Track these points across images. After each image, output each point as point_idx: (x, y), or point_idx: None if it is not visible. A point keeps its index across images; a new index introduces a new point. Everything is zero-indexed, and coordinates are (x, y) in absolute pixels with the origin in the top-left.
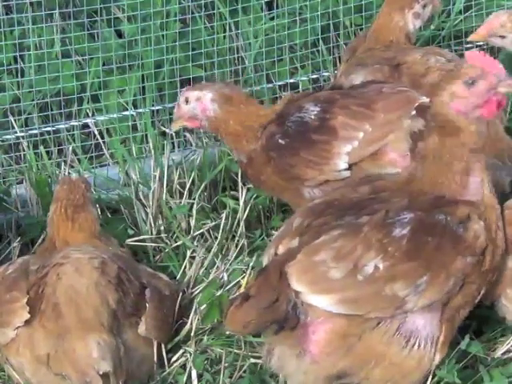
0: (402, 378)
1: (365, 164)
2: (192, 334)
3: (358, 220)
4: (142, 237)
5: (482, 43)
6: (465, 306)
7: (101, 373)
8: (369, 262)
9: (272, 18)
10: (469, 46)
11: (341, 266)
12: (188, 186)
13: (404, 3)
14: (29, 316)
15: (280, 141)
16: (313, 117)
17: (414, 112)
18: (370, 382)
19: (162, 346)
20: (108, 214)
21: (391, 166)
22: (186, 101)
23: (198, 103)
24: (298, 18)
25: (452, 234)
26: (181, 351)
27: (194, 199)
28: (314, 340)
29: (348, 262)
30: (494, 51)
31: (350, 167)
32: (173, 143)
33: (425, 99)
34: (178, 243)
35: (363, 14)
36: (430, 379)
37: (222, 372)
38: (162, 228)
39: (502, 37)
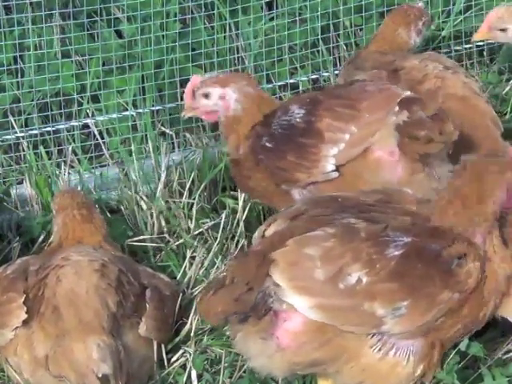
0: (374, 382)
1: (353, 163)
2: (192, 334)
3: (355, 224)
4: (142, 237)
5: (482, 43)
6: (456, 335)
7: (100, 375)
8: (354, 272)
9: (272, 18)
10: (469, 46)
11: (326, 268)
12: (188, 185)
13: (410, 20)
14: (26, 316)
15: (267, 144)
16: (298, 119)
17: (397, 108)
18: (341, 377)
19: (162, 346)
20: (108, 214)
21: (379, 164)
22: (206, 95)
23: (222, 101)
24: (297, 19)
25: (444, 266)
26: (181, 351)
27: (194, 199)
28: (284, 328)
29: (333, 266)
30: (493, 51)
31: (337, 168)
32: (173, 143)
33: (408, 93)
34: (178, 243)
35: (363, 14)
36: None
37: (221, 372)
38: (162, 228)
39: (503, 30)
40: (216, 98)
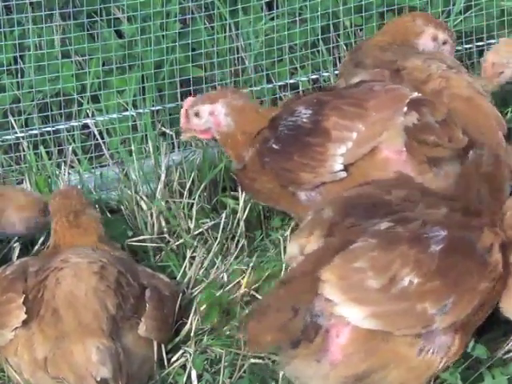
0: (411, 380)
1: (361, 163)
2: (192, 334)
3: (392, 228)
4: (142, 237)
5: (482, 43)
6: (476, 322)
7: (99, 378)
8: (405, 276)
9: (272, 19)
10: (469, 46)
11: (379, 276)
12: (188, 186)
13: (437, 23)
14: (25, 316)
15: (274, 146)
16: (305, 120)
17: (405, 108)
18: (382, 382)
19: (162, 346)
20: (108, 214)
21: (387, 163)
22: (197, 114)
23: (212, 117)
24: (297, 19)
25: (479, 257)
26: (181, 351)
27: (194, 199)
28: (337, 343)
29: (386, 273)
30: None
31: (345, 168)
32: (173, 143)
33: (416, 94)
34: (178, 243)
35: (363, 14)
36: (432, 381)
37: (221, 372)
38: (162, 228)
39: (501, 73)
40: (206, 115)
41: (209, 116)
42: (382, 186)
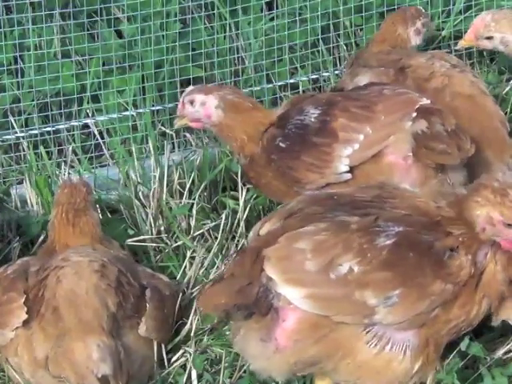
0: (370, 378)
1: (366, 166)
2: (192, 334)
3: (347, 218)
4: (142, 237)
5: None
6: (449, 333)
7: (100, 376)
8: (345, 262)
9: (272, 19)
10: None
11: (317, 259)
12: (188, 186)
13: (408, 19)
14: (26, 316)
15: (281, 144)
16: (313, 119)
17: (415, 114)
18: (338, 375)
19: (162, 346)
20: (108, 215)
21: (392, 167)
22: (191, 102)
23: (203, 108)
24: (297, 19)
25: (435, 257)
26: (181, 351)
27: (194, 199)
28: (282, 328)
29: (324, 257)
30: (493, 51)
31: (351, 170)
32: (173, 143)
33: (426, 101)
34: (178, 243)
35: (363, 14)
36: (429, 380)
37: (221, 372)
38: (162, 228)
39: (489, 38)
40: (198, 104)
41: (200, 106)
42: (359, 189)
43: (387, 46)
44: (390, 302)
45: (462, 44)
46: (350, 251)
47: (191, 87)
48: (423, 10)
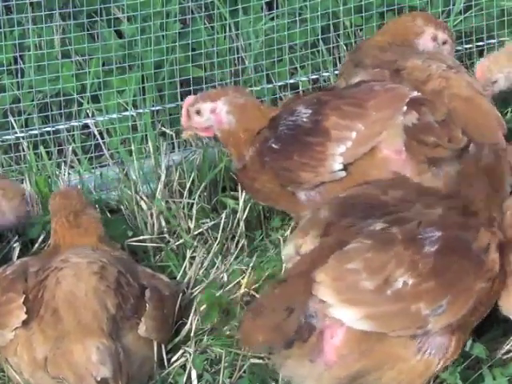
0: (409, 381)
1: (360, 163)
2: (192, 334)
3: (387, 229)
4: (142, 237)
5: (482, 43)
6: (474, 322)
7: (99, 378)
8: (399, 277)
9: (272, 19)
10: (469, 46)
11: (373, 278)
12: (188, 186)
13: (434, 19)
14: (26, 316)
15: (273, 145)
16: (305, 119)
17: (405, 108)
18: (378, 383)
19: (162, 346)
20: (108, 214)
21: (387, 162)
22: (198, 112)
23: (214, 115)
24: (297, 19)
25: (475, 257)
26: (181, 351)
27: (194, 199)
28: (331, 344)
29: (380, 274)
30: (493, 51)
31: (345, 167)
32: (173, 143)
33: (415, 93)
34: (178, 243)
35: (363, 14)
36: (432, 381)
37: (221, 372)
38: (162, 228)
39: (495, 82)
40: (208, 112)
41: (210, 114)
42: (379, 187)
43: (391, 36)
44: (440, 311)
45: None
46: (402, 265)
47: (191, 97)
48: (453, 35)
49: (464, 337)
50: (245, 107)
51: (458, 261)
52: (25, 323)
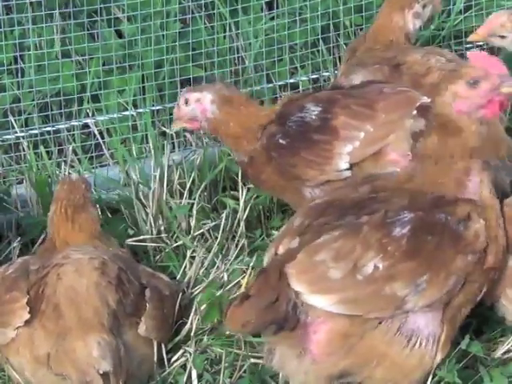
0: (404, 377)
1: (366, 164)
2: (192, 333)
3: (358, 220)
4: (142, 237)
5: (481, 43)
6: (466, 305)
7: (101, 372)
8: (368, 261)
9: (272, 18)
10: (469, 45)
11: (340, 265)
12: (188, 186)
13: (404, 3)
14: (29, 316)
15: (281, 141)
16: (314, 117)
17: (415, 112)
18: (372, 381)
19: (162, 346)
20: (108, 214)
21: (392, 165)
22: (186, 102)
23: (198, 104)
24: (297, 18)
25: (452, 232)
26: (181, 351)
27: (194, 199)
28: (314, 340)
29: (347, 261)
30: (493, 51)
31: (351, 167)
32: (173, 143)
33: (426, 99)
34: (178, 243)
35: (363, 14)
36: (430, 379)
37: (222, 372)
38: (162, 228)
39: (502, 37)
40: (193, 102)
41: (195, 103)
42: (350, 185)
43: (384, 37)
44: (420, 288)
45: (473, 38)
46: (370, 250)
47: (185, 89)
48: None
49: (452, 330)
50: (230, 99)
51: (433, 238)
52: (27, 321)
